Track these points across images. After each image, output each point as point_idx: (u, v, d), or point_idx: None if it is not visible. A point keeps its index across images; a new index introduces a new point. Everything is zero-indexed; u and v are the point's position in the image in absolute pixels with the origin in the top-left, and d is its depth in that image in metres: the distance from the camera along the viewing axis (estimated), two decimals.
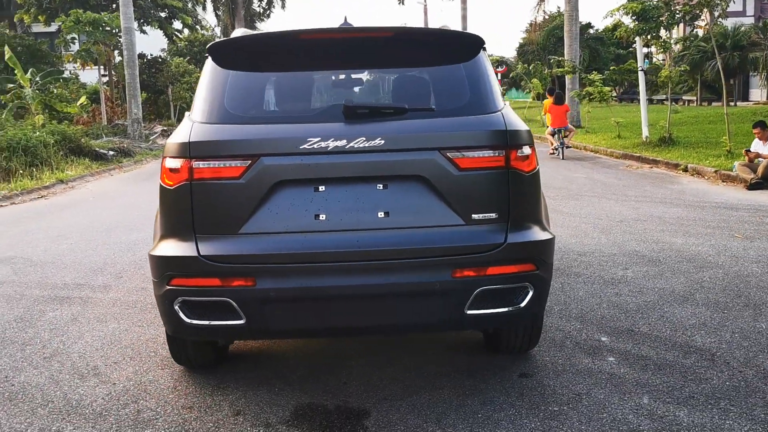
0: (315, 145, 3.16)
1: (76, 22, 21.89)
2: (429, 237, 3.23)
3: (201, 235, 3.25)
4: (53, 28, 28.61)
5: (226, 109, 3.35)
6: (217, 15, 41.27)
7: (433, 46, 3.63)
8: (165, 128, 26.21)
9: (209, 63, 3.57)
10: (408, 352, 4.34)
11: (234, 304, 3.18)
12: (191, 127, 3.33)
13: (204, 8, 38.63)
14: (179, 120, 15.08)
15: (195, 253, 3.21)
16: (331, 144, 3.16)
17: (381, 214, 3.22)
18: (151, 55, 31.40)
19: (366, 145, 3.17)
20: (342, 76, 3.58)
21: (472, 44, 3.61)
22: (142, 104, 23.46)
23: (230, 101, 3.39)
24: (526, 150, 3.37)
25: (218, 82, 3.46)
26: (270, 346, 4.45)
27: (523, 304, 3.33)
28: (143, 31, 30.41)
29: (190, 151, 3.23)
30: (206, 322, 3.24)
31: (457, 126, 3.27)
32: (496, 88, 3.52)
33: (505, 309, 3.31)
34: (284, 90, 3.52)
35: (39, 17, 27.85)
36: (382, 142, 3.18)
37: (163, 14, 30.78)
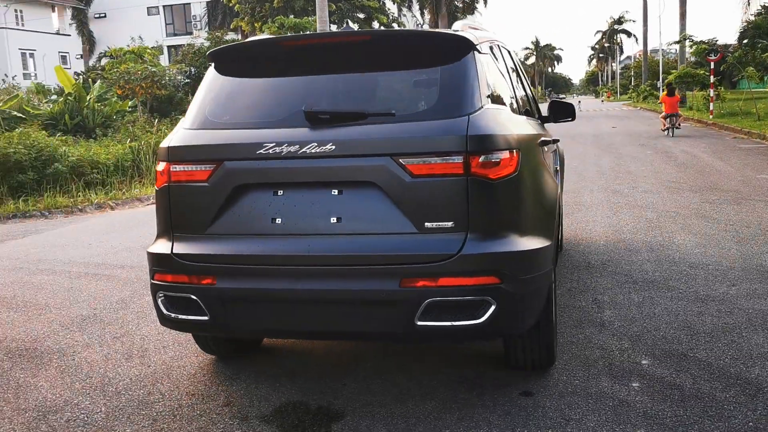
0: (270, 150, 3.24)
1: (280, 27, 23.60)
2: (379, 244, 3.18)
3: (177, 234, 3.48)
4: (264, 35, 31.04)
5: (206, 116, 3.54)
6: (422, 12, 42.14)
7: (413, 49, 3.54)
8: None
9: (209, 69, 3.79)
10: (420, 359, 4.26)
11: (199, 301, 3.36)
12: (176, 132, 3.57)
13: (409, 7, 39.60)
14: None
15: (169, 251, 3.45)
16: (285, 149, 3.22)
17: (333, 220, 3.23)
18: None
19: (317, 150, 3.19)
20: (317, 82, 3.60)
21: (459, 46, 3.46)
22: None
23: (211, 108, 3.58)
24: (497, 156, 3.18)
25: (206, 89, 3.67)
26: (294, 344, 4.61)
27: (482, 320, 3.14)
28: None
29: (169, 155, 3.47)
30: (181, 316, 3.47)
31: (411, 131, 3.17)
32: (477, 90, 3.33)
33: (461, 323, 3.15)
34: (258, 96, 3.62)
35: (255, 24, 30.41)
36: (333, 147, 3.18)
37: (361, 15, 32.13)
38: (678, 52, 41.41)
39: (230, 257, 3.32)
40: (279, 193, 3.30)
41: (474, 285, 3.13)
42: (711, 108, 28.26)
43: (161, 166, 3.51)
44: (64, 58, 52.77)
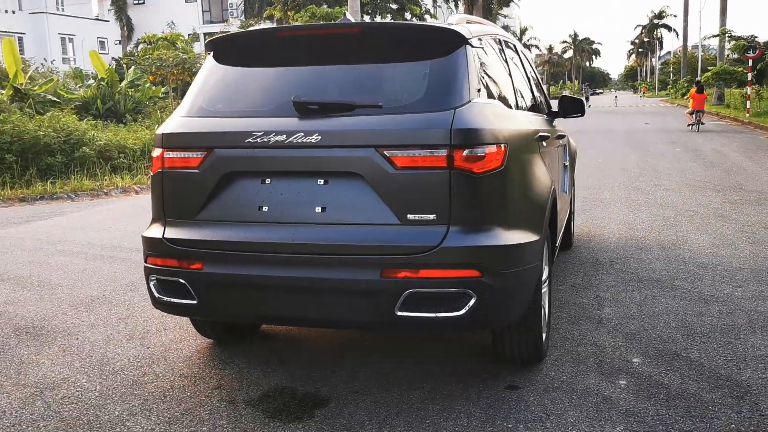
0: (258, 139, 3.30)
1: (312, 16, 23.69)
2: (362, 234, 3.21)
3: (169, 220, 3.55)
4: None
5: (200, 104, 3.61)
6: (456, 3, 41.90)
7: (404, 42, 3.56)
8: None
9: (208, 57, 3.85)
10: (412, 349, 4.30)
11: (187, 285, 3.44)
12: (171, 119, 3.64)
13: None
14: None
15: (161, 236, 3.53)
16: (273, 138, 3.28)
17: (318, 209, 3.27)
18: None
19: (303, 140, 3.24)
20: (310, 72, 3.63)
21: (450, 40, 3.47)
22: None
23: (206, 96, 3.64)
24: (481, 150, 3.19)
25: (204, 77, 3.74)
26: (290, 330, 4.67)
27: (461, 312, 3.17)
28: None
29: (163, 141, 3.55)
30: (171, 300, 3.54)
31: (397, 124, 3.20)
32: (466, 84, 3.33)
33: (441, 315, 3.17)
34: (251, 85, 3.67)
35: (288, 12, 30.56)
36: (319, 138, 3.23)
37: (394, 6, 32.06)
38: (717, 48, 40.64)
39: (218, 243, 3.38)
40: (267, 182, 3.36)
41: (454, 277, 3.15)
42: (748, 106, 27.72)
43: (156, 153, 3.59)
44: (102, 44, 53.59)
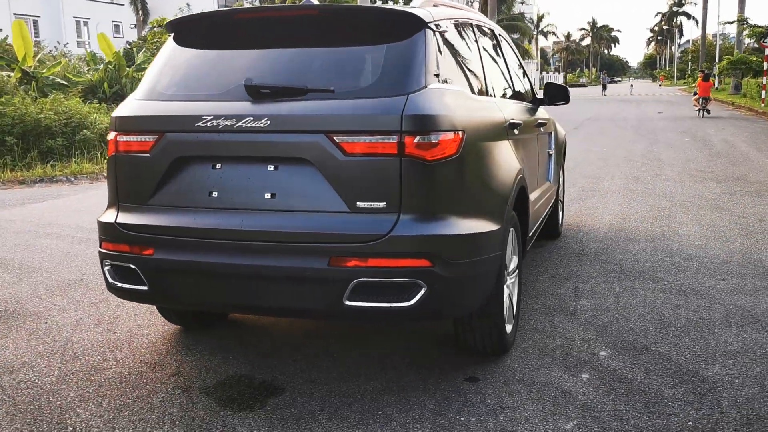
0: (208, 123, 3.23)
1: None
2: (310, 222, 3.15)
3: (122, 204, 3.51)
4: None
5: (155, 87, 3.55)
6: None
7: (362, 25, 3.47)
8: None
9: (168, 39, 3.79)
10: (379, 339, 4.25)
11: (138, 270, 3.39)
12: (126, 102, 3.59)
13: None
14: None
15: (114, 221, 3.49)
16: (222, 122, 3.21)
17: (268, 196, 3.21)
18: None
19: (253, 125, 3.17)
20: (265, 55, 3.55)
21: (408, 23, 3.38)
22: None
23: (161, 79, 3.58)
24: (435, 137, 3.11)
25: (161, 60, 3.68)
26: (259, 318, 4.63)
27: (412, 302, 3.10)
28: None
29: (117, 125, 3.50)
30: (123, 285, 3.50)
31: (347, 109, 3.12)
32: (423, 69, 3.24)
33: (390, 305, 3.11)
34: (206, 68, 3.59)
35: None
36: (269, 122, 3.16)
37: None
38: (735, 37, 40.03)
39: (168, 229, 3.33)
40: (217, 167, 3.30)
41: (403, 267, 3.08)
42: (763, 96, 27.30)
43: (111, 136, 3.54)
44: (117, 28, 53.69)
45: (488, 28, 4.78)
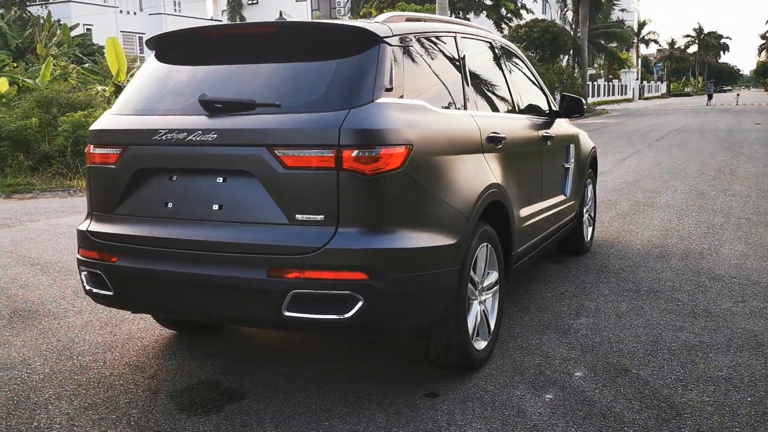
0: (164, 137, 3.38)
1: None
2: (251, 233, 3.23)
3: (94, 213, 3.72)
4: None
5: (128, 102, 3.75)
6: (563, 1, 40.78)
7: (316, 41, 3.53)
8: None
9: (150, 56, 3.99)
10: (365, 351, 4.27)
11: (104, 276, 3.58)
12: (102, 117, 3.80)
13: None
14: None
15: (86, 229, 3.69)
16: (176, 136, 3.35)
17: (216, 207, 3.31)
18: None
19: (201, 138, 3.29)
20: (226, 71, 3.64)
21: (361, 39, 3.42)
22: None
23: (135, 94, 3.77)
24: (375, 151, 3.12)
25: (140, 75, 3.88)
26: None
27: (349, 315, 3.12)
28: (467, 18, 31.63)
29: (91, 138, 3.72)
30: (95, 290, 3.69)
31: (289, 123, 3.18)
32: (372, 84, 3.25)
33: (327, 317, 3.14)
34: (171, 84, 3.72)
35: (383, 10, 30.79)
36: (215, 136, 3.27)
37: (488, 2, 31.54)
38: None
39: (129, 237, 3.50)
40: (173, 179, 3.44)
41: (340, 279, 3.11)
42: None
43: (88, 148, 3.75)
44: None
45: (484, 41, 4.73)
